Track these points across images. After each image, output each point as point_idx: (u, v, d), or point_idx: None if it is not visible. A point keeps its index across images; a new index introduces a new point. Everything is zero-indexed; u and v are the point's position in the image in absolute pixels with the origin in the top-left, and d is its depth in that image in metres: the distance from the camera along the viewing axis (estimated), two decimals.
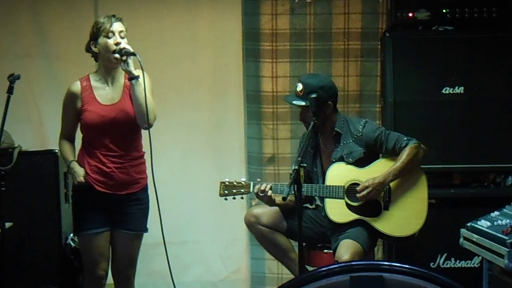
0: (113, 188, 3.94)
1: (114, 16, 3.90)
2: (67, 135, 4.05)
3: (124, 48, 3.81)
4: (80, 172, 3.93)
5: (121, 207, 3.98)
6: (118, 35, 3.86)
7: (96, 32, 3.88)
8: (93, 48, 3.91)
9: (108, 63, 3.89)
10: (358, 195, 4.07)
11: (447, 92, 4.79)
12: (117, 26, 3.87)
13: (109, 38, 3.84)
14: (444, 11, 4.80)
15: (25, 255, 4.57)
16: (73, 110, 3.96)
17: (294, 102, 4.20)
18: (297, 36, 5.33)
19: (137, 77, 3.83)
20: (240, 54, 5.41)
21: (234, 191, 4.24)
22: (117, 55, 3.81)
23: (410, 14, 4.82)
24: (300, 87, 4.16)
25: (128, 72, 3.83)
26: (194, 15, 5.46)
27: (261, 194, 4.16)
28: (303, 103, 4.12)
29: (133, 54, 3.79)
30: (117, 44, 3.83)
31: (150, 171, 3.92)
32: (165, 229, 5.34)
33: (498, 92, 4.78)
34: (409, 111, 4.81)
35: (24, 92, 5.09)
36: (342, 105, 5.11)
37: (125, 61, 3.80)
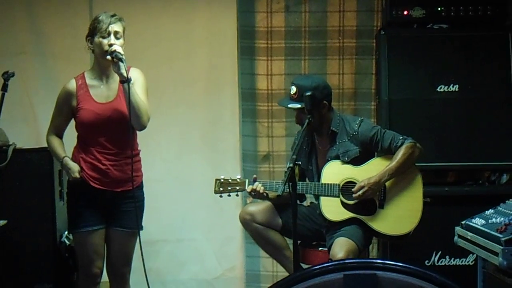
0: (108, 185, 3.93)
1: (114, 15, 3.87)
2: (57, 132, 4.03)
3: (115, 50, 3.77)
4: (74, 168, 3.91)
5: (116, 204, 3.97)
6: (113, 36, 3.83)
7: (93, 30, 3.86)
8: (89, 44, 3.91)
9: (103, 61, 3.88)
10: (354, 195, 4.08)
11: (441, 90, 4.79)
12: (114, 27, 3.84)
13: (104, 38, 3.83)
14: (439, 9, 4.80)
15: (19, 253, 4.55)
16: (67, 109, 3.95)
17: (289, 105, 4.19)
18: (292, 34, 5.33)
19: (128, 81, 3.78)
20: (235, 52, 5.40)
21: (229, 188, 4.23)
22: (108, 57, 3.79)
23: (405, 12, 4.82)
24: (294, 90, 4.15)
25: (119, 75, 3.79)
26: (189, 13, 5.45)
27: (253, 193, 4.17)
28: (298, 106, 4.10)
29: (121, 60, 3.74)
30: (110, 45, 3.81)
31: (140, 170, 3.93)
32: (160, 227, 5.40)
33: (493, 90, 4.79)
34: (403, 109, 4.80)
35: (18, 89, 5.08)
36: (337, 103, 5.11)
37: (116, 64, 3.76)
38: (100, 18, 3.86)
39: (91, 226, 3.94)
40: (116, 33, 3.85)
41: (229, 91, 5.47)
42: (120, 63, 3.75)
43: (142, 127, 3.92)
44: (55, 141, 4.02)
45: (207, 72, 5.49)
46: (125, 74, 3.77)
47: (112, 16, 3.87)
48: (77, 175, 3.88)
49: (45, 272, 4.59)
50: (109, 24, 3.83)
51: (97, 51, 3.88)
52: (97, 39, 3.84)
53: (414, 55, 4.84)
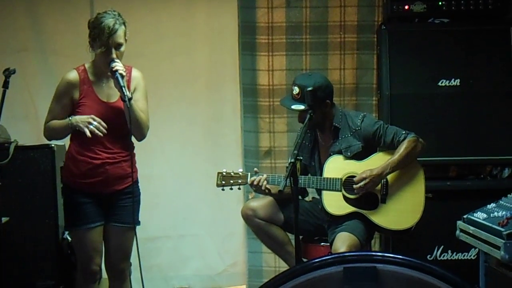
0: (106, 182, 3.91)
1: (115, 23, 3.72)
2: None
3: (116, 71, 3.69)
4: (84, 118, 3.79)
5: (113, 200, 3.95)
6: (114, 50, 3.74)
7: (93, 36, 3.76)
8: (90, 50, 3.85)
9: (104, 68, 3.83)
10: (355, 186, 4.07)
11: (443, 84, 4.79)
12: (115, 39, 3.73)
13: (104, 50, 3.74)
14: (440, 3, 4.81)
15: (22, 250, 4.55)
16: (68, 100, 3.88)
17: (292, 107, 4.17)
18: (293, 29, 5.33)
19: (128, 100, 3.70)
20: (236, 47, 5.40)
21: (231, 181, 4.23)
22: (109, 73, 3.75)
23: (406, 7, 4.82)
24: (296, 90, 4.14)
25: (121, 92, 3.72)
26: (190, 9, 5.45)
27: (255, 187, 4.17)
28: (302, 107, 4.10)
29: (121, 88, 3.66)
30: (111, 60, 3.73)
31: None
32: (162, 223, 5.40)
33: (494, 84, 4.78)
34: (405, 103, 4.81)
35: (20, 86, 5.09)
36: (339, 98, 5.11)
37: (118, 82, 3.69)
38: (102, 25, 3.71)
39: (89, 224, 3.91)
40: (117, 45, 3.76)
41: (231, 87, 5.47)
42: (120, 79, 3.69)
43: (141, 139, 3.95)
44: (52, 121, 3.93)
45: (208, 68, 5.48)
46: (125, 93, 3.70)
47: (114, 23, 3.72)
48: (92, 120, 3.78)
49: (48, 269, 4.59)
50: (109, 37, 3.70)
51: (98, 58, 3.83)
52: (98, 49, 3.76)
53: (415, 50, 4.84)
